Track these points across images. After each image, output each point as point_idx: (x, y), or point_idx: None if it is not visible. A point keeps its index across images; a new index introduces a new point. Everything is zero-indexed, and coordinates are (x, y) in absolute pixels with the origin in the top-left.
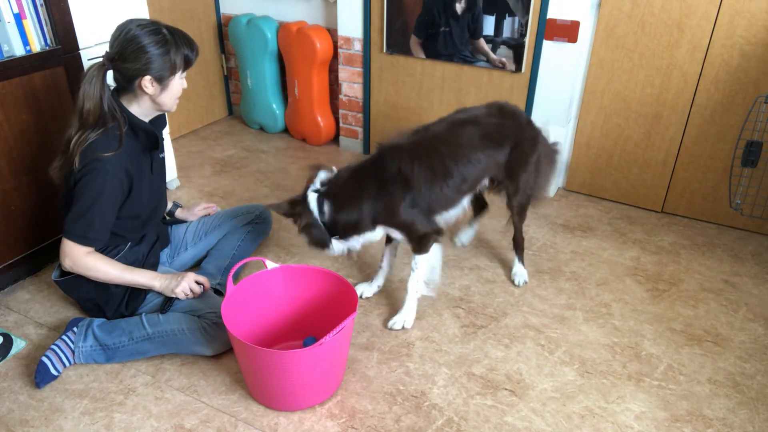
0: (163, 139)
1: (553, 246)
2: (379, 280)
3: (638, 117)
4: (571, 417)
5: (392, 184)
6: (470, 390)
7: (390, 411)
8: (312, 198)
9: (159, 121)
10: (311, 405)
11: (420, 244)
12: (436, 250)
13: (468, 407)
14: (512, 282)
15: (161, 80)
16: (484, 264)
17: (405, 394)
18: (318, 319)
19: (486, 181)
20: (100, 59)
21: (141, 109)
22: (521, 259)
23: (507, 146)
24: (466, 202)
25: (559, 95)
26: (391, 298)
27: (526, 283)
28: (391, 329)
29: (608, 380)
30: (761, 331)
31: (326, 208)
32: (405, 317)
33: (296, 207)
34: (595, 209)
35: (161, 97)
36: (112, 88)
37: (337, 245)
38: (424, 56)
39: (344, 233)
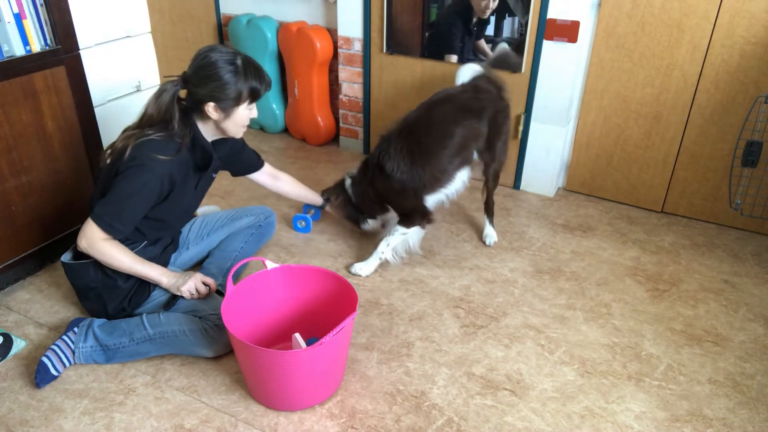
0: (219, 163)
1: (553, 246)
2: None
3: (638, 117)
4: (571, 417)
5: (375, 170)
6: (470, 390)
7: (390, 411)
8: (348, 183)
9: (222, 145)
10: (311, 405)
11: (405, 219)
12: (417, 231)
13: (468, 407)
14: (484, 243)
15: (225, 109)
16: (484, 264)
17: (405, 394)
18: (318, 319)
19: (475, 154)
20: (177, 77)
21: (206, 128)
22: (492, 222)
23: (486, 118)
24: (463, 176)
25: (559, 95)
26: (391, 298)
27: (495, 242)
28: (350, 272)
29: (608, 380)
30: (761, 331)
31: (353, 192)
32: (363, 266)
33: (337, 188)
34: (595, 209)
35: (224, 123)
36: (185, 102)
37: (371, 222)
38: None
39: (368, 213)
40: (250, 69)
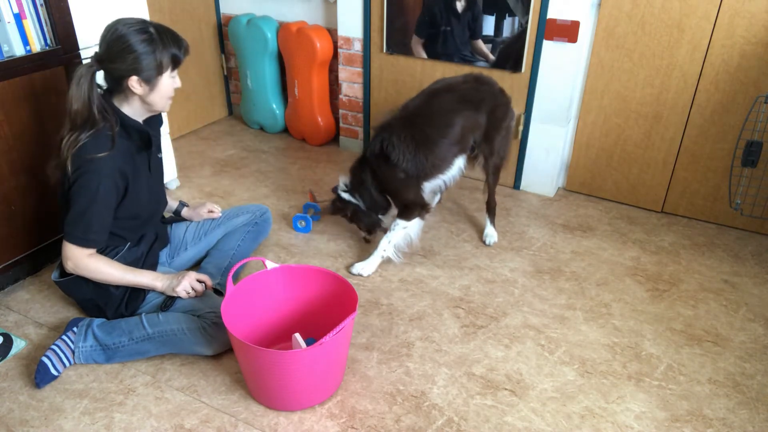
0: (160, 139)
1: (553, 246)
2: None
3: (638, 117)
4: (571, 417)
5: (379, 161)
6: (470, 390)
7: (390, 411)
8: (346, 195)
9: (154, 121)
10: (311, 405)
11: (404, 211)
12: (416, 223)
13: (468, 407)
14: (484, 242)
15: (149, 80)
16: (484, 264)
17: (405, 394)
18: (318, 319)
19: (471, 142)
20: (90, 59)
21: (133, 109)
22: (493, 222)
23: (484, 110)
24: (460, 162)
25: (559, 95)
26: (391, 298)
27: (495, 242)
28: (350, 272)
29: (608, 380)
30: (761, 331)
31: (357, 198)
32: (365, 266)
33: (338, 203)
34: (595, 209)
35: (151, 97)
36: (105, 88)
37: (386, 219)
38: (425, 56)
39: (379, 210)
40: (166, 36)
